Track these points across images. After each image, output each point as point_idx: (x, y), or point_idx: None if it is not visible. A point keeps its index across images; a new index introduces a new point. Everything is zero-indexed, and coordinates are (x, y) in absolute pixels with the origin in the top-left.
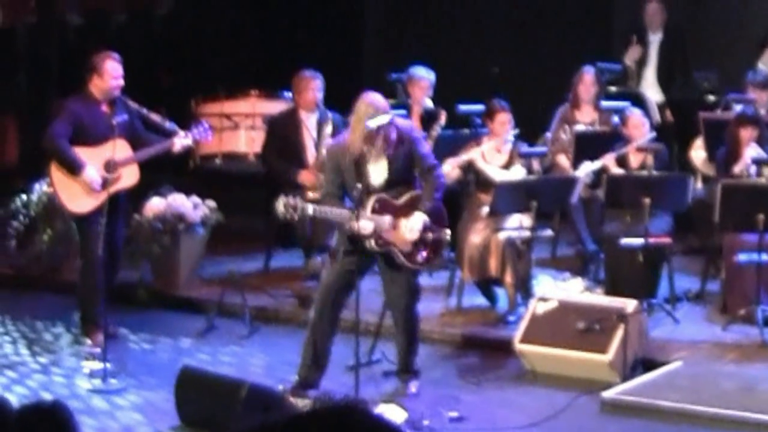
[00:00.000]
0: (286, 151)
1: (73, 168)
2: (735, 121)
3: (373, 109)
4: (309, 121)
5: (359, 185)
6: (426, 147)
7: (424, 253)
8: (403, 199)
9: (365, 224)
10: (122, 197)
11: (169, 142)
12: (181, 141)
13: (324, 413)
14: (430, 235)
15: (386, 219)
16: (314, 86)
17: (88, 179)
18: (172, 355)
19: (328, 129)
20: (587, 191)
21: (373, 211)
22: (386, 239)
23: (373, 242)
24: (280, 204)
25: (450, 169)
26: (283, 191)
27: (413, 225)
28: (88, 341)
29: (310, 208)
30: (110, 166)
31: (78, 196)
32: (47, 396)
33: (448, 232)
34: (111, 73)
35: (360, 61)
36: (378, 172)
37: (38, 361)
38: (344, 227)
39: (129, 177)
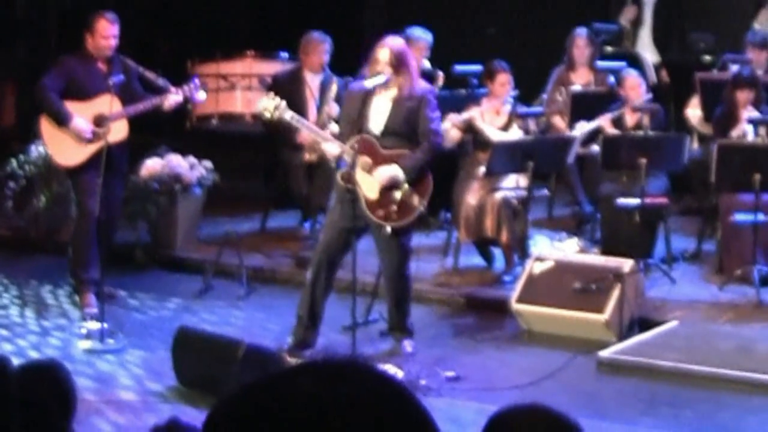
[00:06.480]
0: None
1: (61, 119)
2: (732, 84)
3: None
4: (313, 82)
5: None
6: (436, 113)
7: (386, 209)
8: (391, 151)
9: (330, 147)
10: (119, 157)
11: (159, 98)
12: (172, 97)
13: (323, 365)
14: (397, 194)
15: (353, 154)
16: (322, 49)
17: (78, 128)
18: (169, 316)
19: (332, 92)
20: (583, 147)
21: (352, 148)
22: (353, 178)
23: (339, 176)
24: (263, 101)
25: (450, 126)
26: (281, 151)
27: (383, 172)
28: (78, 300)
29: (289, 114)
30: (100, 121)
31: (67, 149)
32: (35, 355)
33: (424, 202)
34: (101, 33)
35: (359, 22)
36: (379, 117)
37: (39, 322)
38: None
39: (118, 132)
